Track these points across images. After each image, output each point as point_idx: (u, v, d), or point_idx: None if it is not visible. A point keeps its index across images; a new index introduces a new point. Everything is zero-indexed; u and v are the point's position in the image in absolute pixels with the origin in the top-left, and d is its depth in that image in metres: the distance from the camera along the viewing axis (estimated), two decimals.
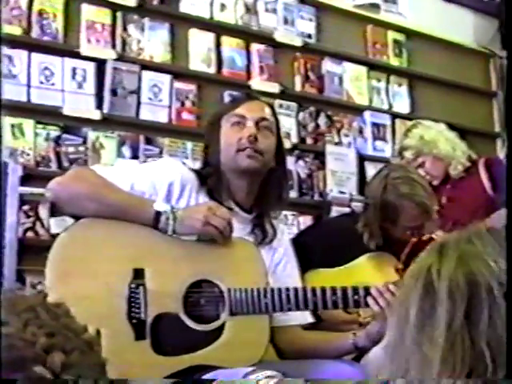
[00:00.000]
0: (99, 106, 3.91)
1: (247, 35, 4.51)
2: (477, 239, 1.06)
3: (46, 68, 3.79)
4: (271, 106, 2.66)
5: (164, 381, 2.19)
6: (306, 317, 2.53)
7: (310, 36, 4.75)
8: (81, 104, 3.86)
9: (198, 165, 2.66)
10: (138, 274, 2.26)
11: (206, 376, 2.13)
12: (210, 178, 2.49)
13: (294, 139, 4.49)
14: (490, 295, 1.00)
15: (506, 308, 0.99)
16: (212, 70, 4.34)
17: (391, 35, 5.13)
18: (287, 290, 2.30)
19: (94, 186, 2.31)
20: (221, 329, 2.26)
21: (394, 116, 4.98)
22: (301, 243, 2.91)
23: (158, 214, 2.28)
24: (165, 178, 2.41)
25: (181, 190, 2.41)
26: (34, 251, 3.30)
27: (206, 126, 2.71)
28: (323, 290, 2.30)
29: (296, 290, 2.31)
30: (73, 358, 0.98)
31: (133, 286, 2.25)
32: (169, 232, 2.29)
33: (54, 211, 2.46)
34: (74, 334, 1.03)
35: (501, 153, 5.35)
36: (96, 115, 3.87)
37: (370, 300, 2.27)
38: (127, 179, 2.37)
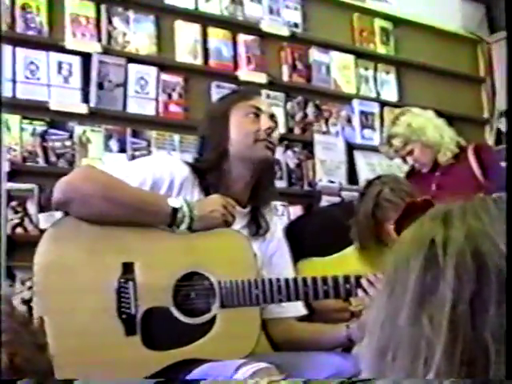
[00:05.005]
0: (86, 99, 3.89)
1: (233, 26, 4.49)
2: (484, 213, 0.97)
3: (31, 63, 3.77)
4: None
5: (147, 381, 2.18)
6: (300, 309, 2.53)
7: (296, 25, 4.73)
8: (67, 98, 3.83)
9: (186, 157, 2.65)
10: (128, 267, 2.25)
11: (198, 369, 2.13)
12: (209, 172, 2.48)
13: (282, 129, 4.47)
14: (499, 279, 0.91)
15: (506, 304, 0.91)
16: (199, 61, 4.32)
17: (378, 23, 5.12)
18: (278, 280, 2.29)
19: (108, 187, 2.27)
20: (212, 321, 2.25)
21: (383, 104, 4.98)
22: (292, 233, 2.91)
23: (175, 211, 2.28)
24: (166, 174, 2.40)
25: (179, 186, 2.40)
26: (23, 247, 3.29)
27: (208, 118, 2.66)
28: (314, 280, 2.29)
29: (287, 280, 2.29)
30: (5, 338, 0.98)
31: (122, 280, 2.23)
32: (182, 229, 2.28)
33: (61, 211, 2.40)
34: (15, 320, 1.04)
35: (489, 139, 5.35)
36: (83, 109, 3.85)
37: (360, 292, 2.26)
38: (134, 177, 2.35)
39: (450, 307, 0.91)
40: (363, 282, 2.25)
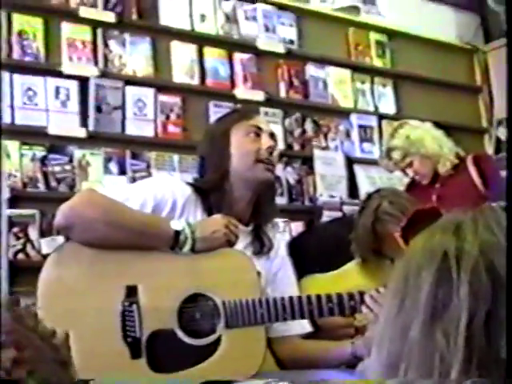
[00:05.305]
0: (84, 123, 3.90)
1: (229, 45, 4.51)
2: (496, 225, 0.96)
3: (28, 88, 3.78)
4: None
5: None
6: (305, 326, 2.52)
7: (291, 42, 4.75)
8: (65, 123, 3.85)
9: (185, 177, 2.65)
10: (131, 291, 2.24)
11: None
12: (211, 192, 2.48)
13: (281, 146, 4.46)
14: None
15: (506, 306, 0.90)
16: (196, 81, 4.33)
17: (373, 36, 5.14)
18: (282, 299, 2.28)
19: (109, 211, 2.27)
20: (217, 342, 2.24)
21: (381, 117, 4.99)
22: (294, 249, 2.90)
23: (177, 233, 2.27)
24: (168, 195, 2.39)
25: (182, 207, 2.40)
26: (26, 273, 3.29)
27: (208, 138, 2.64)
28: (318, 298, 2.28)
29: (291, 299, 2.28)
30: (26, 354, 0.96)
31: (126, 303, 2.22)
32: (185, 251, 2.28)
33: (63, 235, 2.41)
34: (39, 336, 1.02)
35: (488, 148, 5.35)
36: (81, 133, 3.86)
37: (364, 308, 2.25)
38: (135, 199, 2.34)
39: (466, 324, 0.90)
40: (366, 298, 2.24)
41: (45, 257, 2.55)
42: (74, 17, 3.98)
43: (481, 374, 0.89)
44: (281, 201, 4.27)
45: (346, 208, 4.45)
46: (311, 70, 4.78)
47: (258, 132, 2.52)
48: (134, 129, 4.05)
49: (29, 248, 3.57)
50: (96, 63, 4.01)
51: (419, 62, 5.26)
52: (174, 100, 4.22)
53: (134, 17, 4.21)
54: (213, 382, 2.18)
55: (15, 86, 3.75)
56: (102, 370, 2.15)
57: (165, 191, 2.40)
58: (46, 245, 3.54)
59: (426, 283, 0.94)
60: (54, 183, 3.72)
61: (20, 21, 3.83)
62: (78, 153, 3.83)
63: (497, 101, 5.46)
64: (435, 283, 0.94)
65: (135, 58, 4.15)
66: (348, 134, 4.83)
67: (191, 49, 4.35)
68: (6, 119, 3.67)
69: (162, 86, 4.23)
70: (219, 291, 2.27)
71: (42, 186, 3.70)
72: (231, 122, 2.58)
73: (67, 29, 3.96)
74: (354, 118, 4.87)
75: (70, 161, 3.81)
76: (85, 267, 2.27)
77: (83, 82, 3.93)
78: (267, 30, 4.65)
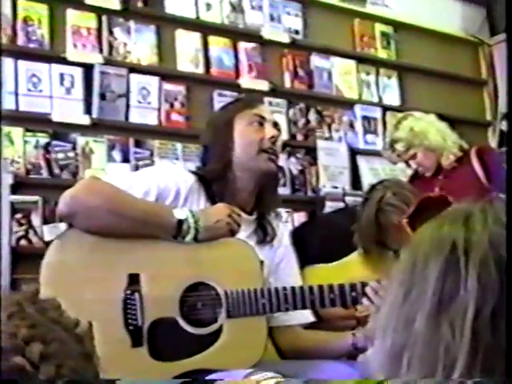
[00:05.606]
0: (88, 110, 3.90)
1: (234, 34, 4.50)
2: (504, 217, 0.95)
3: (33, 75, 3.78)
4: None
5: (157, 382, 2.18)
6: (307, 316, 2.52)
7: (297, 32, 4.74)
8: (69, 110, 3.84)
9: (189, 166, 2.64)
10: (133, 279, 2.24)
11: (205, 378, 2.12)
12: (214, 181, 2.47)
13: (285, 136, 4.46)
14: None
15: (506, 305, 0.90)
16: (200, 70, 4.32)
17: (378, 28, 5.13)
18: (284, 289, 2.27)
19: (112, 199, 2.26)
20: (218, 332, 2.24)
21: (385, 109, 4.98)
22: (296, 239, 2.90)
23: (180, 222, 2.26)
24: (172, 184, 2.38)
25: (186, 196, 2.39)
26: (28, 259, 3.30)
27: (211, 127, 2.62)
28: (320, 289, 2.27)
29: (293, 289, 2.28)
30: (52, 349, 0.97)
31: (128, 292, 2.23)
32: (188, 240, 2.28)
33: (65, 223, 2.40)
34: (63, 327, 1.02)
35: (492, 141, 5.35)
36: (85, 120, 3.86)
37: (365, 301, 2.25)
38: (138, 188, 2.34)
39: (473, 316, 0.89)
40: (367, 290, 2.24)
41: (47, 243, 2.56)
42: (79, 3, 3.97)
43: (485, 368, 0.88)
44: (284, 191, 4.27)
45: (348, 199, 4.45)
46: (316, 60, 4.77)
47: (261, 121, 2.51)
48: (137, 117, 4.05)
49: (31, 234, 3.57)
50: (101, 50, 4.01)
51: (424, 54, 5.25)
52: (179, 88, 4.21)
53: (140, 4, 4.20)
54: (202, 371, 2.18)
55: (20, 72, 3.75)
56: (102, 357, 2.14)
57: (168, 180, 2.39)
58: (48, 231, 3.54)
59: (433, 273, 0.94)
60: (57, 170, 3.73)
61: (25, 7, 3.83)
62: (81, 140, 3.83)
63: (501, 94, 5.45)
64: (442, 274, 0.93)
65: (140, 46, 4.14)
66: (352, 125, 4.82)
67: (196, 37, 4.34)
68: (10, 105, 3.67)
69: (167, 74, 4.22)
70: (221, 280, 2.27)
71: (45, 173, 3.71)
72: (235, 111, 2.57)
73: (72, 16, 3.96)
74: (358, 109, 4.86)
75: (74, 148, 3.81)
76: (87, 254, 2.27)
77: (87, 69, 3.93)
78: (272, 19, 4.64)
